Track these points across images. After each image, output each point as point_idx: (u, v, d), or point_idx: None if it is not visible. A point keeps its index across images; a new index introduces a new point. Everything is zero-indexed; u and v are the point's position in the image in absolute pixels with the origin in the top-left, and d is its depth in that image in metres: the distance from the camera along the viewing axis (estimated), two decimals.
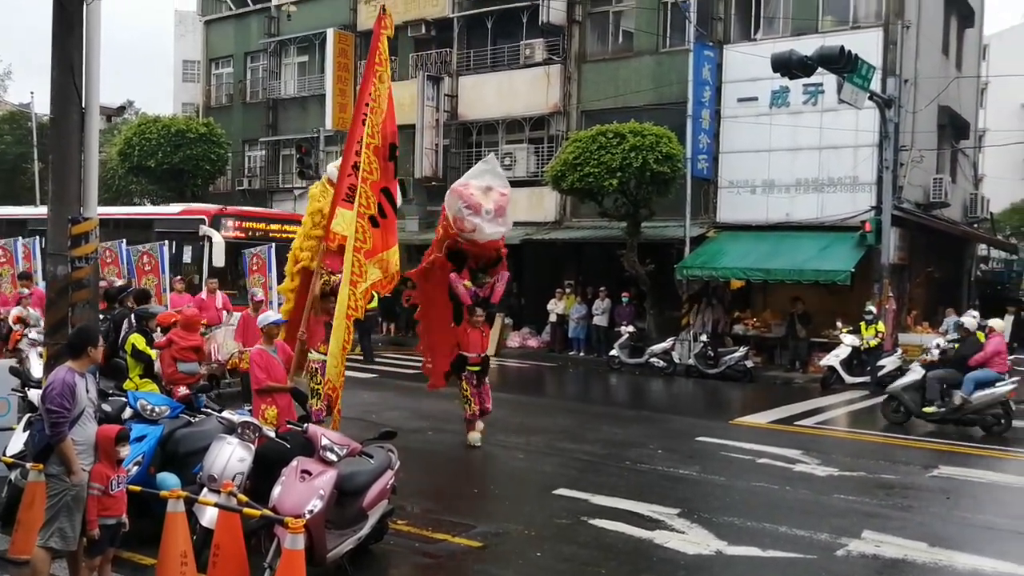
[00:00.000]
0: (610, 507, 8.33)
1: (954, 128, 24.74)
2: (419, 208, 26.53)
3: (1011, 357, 16.85)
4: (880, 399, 16.22)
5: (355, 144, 7.84)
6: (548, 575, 6.76)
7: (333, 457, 6.01)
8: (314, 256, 9.82)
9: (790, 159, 20.58)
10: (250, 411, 7.51)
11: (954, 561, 7.12)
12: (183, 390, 9.01)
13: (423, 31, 27.17)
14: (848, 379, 17.24)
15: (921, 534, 7.77)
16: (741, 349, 18.85)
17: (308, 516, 5.57)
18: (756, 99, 20.93)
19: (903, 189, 19.93)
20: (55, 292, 7.90)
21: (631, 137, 19.42)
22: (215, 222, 17.90)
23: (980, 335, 13.48)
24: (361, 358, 18.39)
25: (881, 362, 17.06)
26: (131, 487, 5.95)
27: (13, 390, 8.11)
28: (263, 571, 5.63)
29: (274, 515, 5.55)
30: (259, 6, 32.39)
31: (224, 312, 14.85)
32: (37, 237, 17.69)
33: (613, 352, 20.10)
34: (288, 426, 6.66)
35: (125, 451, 5.67)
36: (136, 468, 6.60)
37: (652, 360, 19.42)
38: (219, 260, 16.75)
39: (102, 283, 14.75)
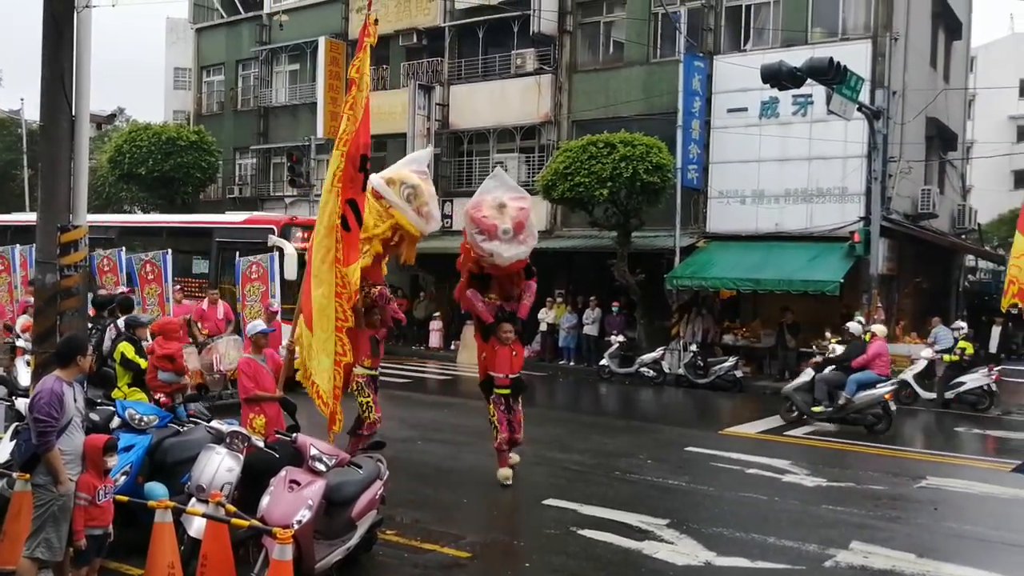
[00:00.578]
0: (599, 517, 8.33)
1: (942, 140, 24.90)
2: None
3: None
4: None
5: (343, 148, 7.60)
6: None
7: (322, 467, 6.00)
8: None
9: (779, 170, 20.66)
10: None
11: (941, 572, 7.15)
12: (161, 399, 8.96)
13: (414, 40, 27.22)
14: None
15: (909, 545, 7.79)
16: (731, 359, 18.89)
17: (296, 526, 5.56)
18: (746, 110, 21.03)
19: (892, 200, 20.03)
20: (43, 300, 7.88)
21: (621, 147, 19.48)
22: (285, 232, 16.50)
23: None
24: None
25: None
26: (118, 497, 5.92)
27: (0, 399, 8.07)
28: None
29: (262, 525, 5.53)
30: (251, 14, 32.39)
31: (225, 322, 14.80)
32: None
33: (603, 361, 20.12)
34: (277, 436, 6.64)
35: (113, 461, 5.65)
36: (124, 478, 6.57)
37: (642, 370, 19.44)
38: (292, 273, 14.97)
39: (102, 292, 14.75)
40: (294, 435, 6.33)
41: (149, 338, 9.90)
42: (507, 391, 9.75)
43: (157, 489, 6.58)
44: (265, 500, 5.83)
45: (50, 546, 5.38)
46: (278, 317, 12.60)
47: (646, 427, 14.32)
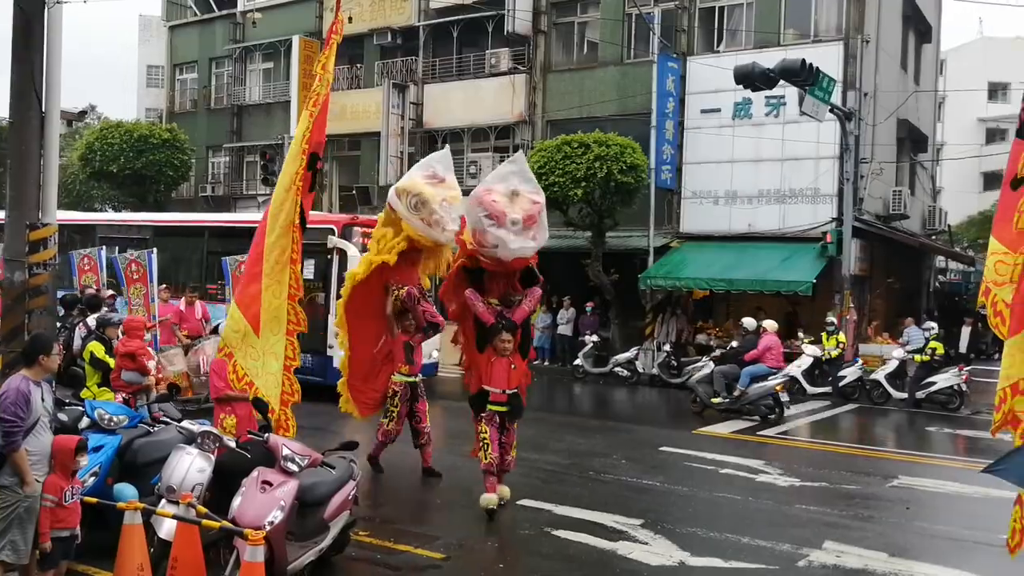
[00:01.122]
0: (574, 518, 8.33)
1: (912, 141, 25.20)
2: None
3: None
4: (842, 409, 16.48)
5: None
6: None
7: (294, 468, 5.95)
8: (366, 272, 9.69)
9: (752, 170, 20.80)
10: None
11: (913, 571, 7.21)
12: (125, 399, 8.80)
13: (389, 39, 27.16)
14: (810, 389, 17.43)
15: (881, 544, 7.85)
16: (704, 359, 18.99)
17: (268, 528, 5.50)
18: (719, 111, 21.15)
19: (863, 201, 20.23)
20: (12, 299, 7.76)
21: (596, 147, 19.52)
22: (346, 232, 15.37)
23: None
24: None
25: (842, 372, 17.30)
26: (87, 499, 5.83)
27: None
28: None
29: (234, 527, 5.47)
30: (224, 12, 32.15)
31: (203, 322, 14.54)
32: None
33: (577, 361, 20.15)
34: (249, 436, 6.57)
35: (84, 462, 5.57)
36: (93, 479, 6.48)
37: (616, 369, 19.49)
38: None
39: (89, 291, 14.54)
40: (266, 435, 6.27)
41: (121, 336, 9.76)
42: (503, 408, 8.56)
43: (126, 490, 6.48)
44: (237, 501, 5.76)
45: (15, 548, 5.29)
46: None
47: (620, 427, 14.35)
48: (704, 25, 22.31)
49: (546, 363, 21.98)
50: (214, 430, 6.60)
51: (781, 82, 16.52)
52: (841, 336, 17.78)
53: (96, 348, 9.30)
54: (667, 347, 19.56)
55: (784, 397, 14.63)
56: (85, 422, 6.97)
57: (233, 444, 6.55)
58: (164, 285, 15.43)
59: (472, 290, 8.64)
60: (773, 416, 14.46)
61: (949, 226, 31.49)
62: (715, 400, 14.87)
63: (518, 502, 8.85)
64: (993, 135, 51.10)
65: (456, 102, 25.84)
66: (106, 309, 14.28)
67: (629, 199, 20.25)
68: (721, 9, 22.19)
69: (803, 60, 15.94)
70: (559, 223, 22.10)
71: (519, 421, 8.89)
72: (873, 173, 20.73)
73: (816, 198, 20.08)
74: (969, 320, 23.31)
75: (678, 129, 21.40)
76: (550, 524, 8.10)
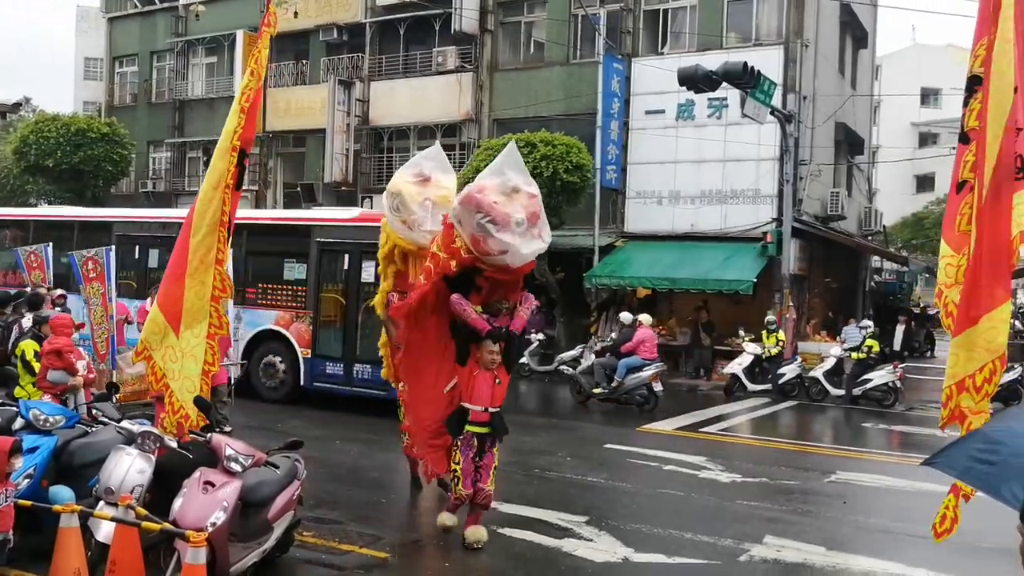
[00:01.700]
0: (519, 515, 8.36)
1: (849, 144, 25.80)
2: None
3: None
4: (782, 406, 16.80)
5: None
6: None
7: (237, 468, 5.87)
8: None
9: (695, 171, 21.09)
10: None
11: (850, 564, 7.39)
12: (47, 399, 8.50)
13: (335, 35, 26.93)
14: (750, 387, 17.75)
15: (819, 538, 8.03)
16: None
17: (211, 529, 5.42)
18: (663, 112, 21.41)
19: (803, 202, 20.65)
20: None
21: (542, 146, 19.60)
22: None
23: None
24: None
25: (782, 370, 17.64)
26: (21, 502, 5.69)
27: None
28: None
29: (175, 528, 5.38)
30: (165, 5, 31.52)
31: None
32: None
33: (523, 360, 20.19)
34: (191, 436, 6.46)
35: (18, 464, 5.43)
36: (27, 481, 6.30)
37: (561, 368, 19.55)
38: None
39: (40, 290, 14.05)
40: (209, 435, 6.17)
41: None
42: (485, 429, 7.52)
43: (63, 492, 6.33)
44: (178, 502, 5.67)
45: None
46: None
47: (565, 424, 14.44)
48: (649, 27, 22.56)
49: None
50: (154, 430, 6.47)
51: (723, 84, 16.77)
52: (781, 334, 18.12)
53: (27, 347, 9.05)
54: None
55: (657, 387, 15.32)
56: (19, 423, 6.78)
57: (174, 444, 6.44)
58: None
59: (460, 296, 7.57)
60: (648, 405, 15.21)
61: (884, 227, 32.32)
62: (596, 390, 15.74)
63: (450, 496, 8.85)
64: (925, 139, 52.59)
65: (403, 100, 25.73)
66: (58, 309, 13.83)
67: (575, 198, 20.37)
68: (665, 12, 22.46)
69: (745, 63, 16.21)
70: None
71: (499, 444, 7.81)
72: (812, 175, 21.19)
73: (757, 199, 20.45)
74: (903, 318, 23.96)
75: (623, 129, 21.61)
76: (495, 522, 8.10)
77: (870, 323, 18.82)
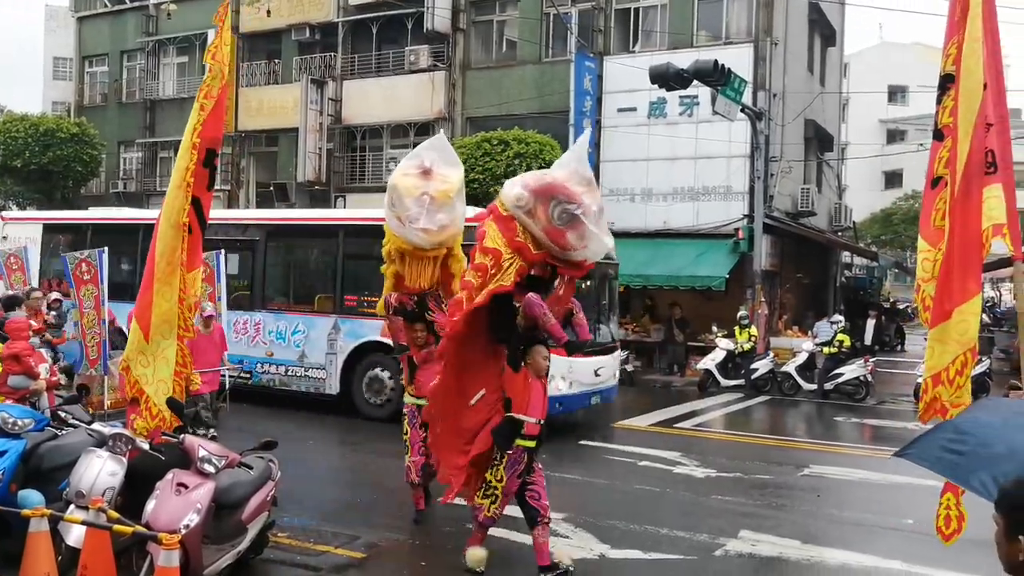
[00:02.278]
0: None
1: (819, 141, 26.04)
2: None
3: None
4: (755, 401, 16.93)
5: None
6: None
7: (211, 469, 5.82)
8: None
9: (667, 168, 21.20)
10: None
11: (824, 557, 7.47)
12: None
13: (307, 35, 26.81)
14: (724, 382, 17.86)
15: (794, 532, 8.10)
16: (622, 354, 19.27)
17: (184, 531, 5.37)
18: (635, 110, 21.49)
19: (773, 198, 20.82)
20: None
21: (515, 144, 19.62)
22: None
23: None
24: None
25: (754, 365, 17.77)
26: None
27: None
28: None
29: (147, 531, 5.33)
30: (135, 4, 31.27)
31: None
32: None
33: None
34: (163, 437, 6.40)
35: None
36: None
37: None
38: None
39: (9, 292, 13.79)
40: (181, 436, 6.12)
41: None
42: (534, 443, 6.79)
43: (32, 496, 6.23)
44: (151, 504, 5.61)
45: None
46: (216, 321, 11.91)
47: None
48: (620, 26, 22.64)
49: None
50: (126, 432, 6.40)
51: (694, 82, 16.87)
52: (753, 330, 18.26)
53: None
54: None
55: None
56: None
57: (146, 446, 6.38)
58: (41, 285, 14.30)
59: (538, 296, 6.71)
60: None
61: (854, 223, 32.65)
62: None
63: (439, 499, 8.83)
64: (893, 136, 53.20)
65: (375, 99, 25.65)
66: (54, 314, 13.65)
67: None
68: (636, 10, 22.55)
69: (715, 61, 16.32)
70: None
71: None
72: (782, 171, 21.36)
73: (728, 196, 20.58)
74: (873, 313, 24.21)
75: (595, 128, 21.65)
76: (471, 520, 8.09)
77: (841, 318, 19.02)
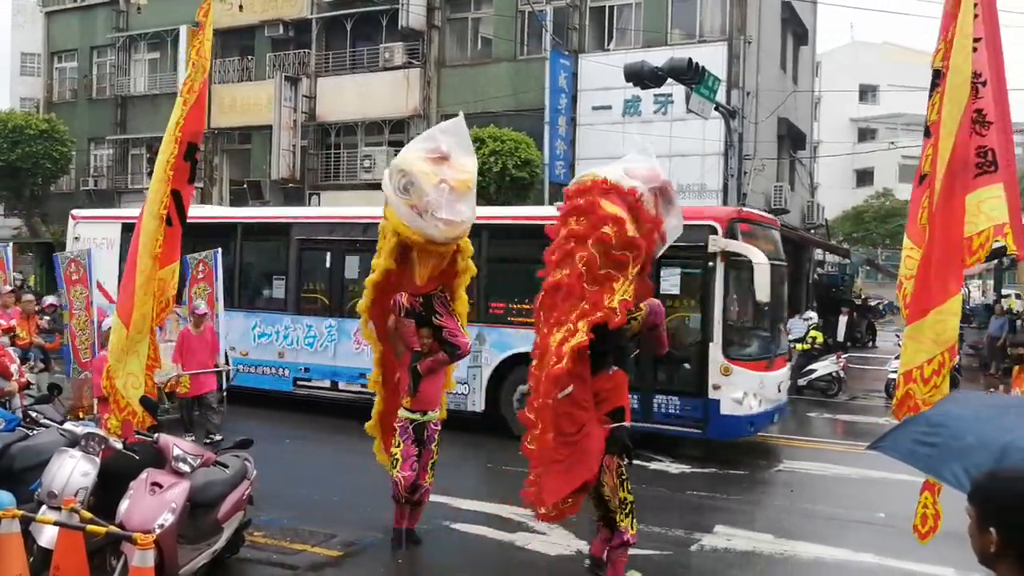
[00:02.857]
0: (472, 511, 8.37)
1: (792, 139, 26.26)
2: None
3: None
4: None
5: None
6: None
7: (186, 468, 5.78)
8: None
9: None
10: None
11: (798, 551, 7.54)
12: None
13: (281, 31, 26.66)
14: None
15: (768, 527, 8.18)
16: None
17: (159, 531, 5.33)
18: (610, 107, 21.56)
19: (747, 196, 20.91)
20: None
21: (490, 142, 19.62)
22: (731, 229, 10.94)
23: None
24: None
25: None
26: None
27: None
28: None
29: (121, 531, 5.28)
30: None
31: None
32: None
33: None
34: (137, 436, 6.34)
35: None
36: None
37: None
38: (764, 292, 10.44)
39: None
40: (156, 435, 6.07)
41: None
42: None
43: (3, 497, 6.14)
44: (124, 504, 5.56)
45: None
46: (208, 321, 11.59)
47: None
48: (595, 23, 22.71)
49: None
50: (99, 431, 6.33)
51: (669, 80, 16.93)
52: None
53: None
54: None
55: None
56: None
57: (120, 445, 6.31)
58: (9, 288, 13.40)
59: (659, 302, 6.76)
60: None
61: (826, 220, 32.96)
62: None
63: (450, 523, 8.83)
64: (864, 134, 53.74)
65: (350, 96, 25.54)
66: (48, 319, 13.41)
67: (524, 194, 20.44)
68: (611, 8, 22.62)
69: (690, 59, 16.36)
70: None
71: None
72: (756, 169, 21.50)
73: (703, 193, 20.70)
74: (846, 310, 24.48)
75: (571, 125, 21.72)
76: (449, 518, 8.11)
77: (813, 315, 19.18)
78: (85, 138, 30.61)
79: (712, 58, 19.47)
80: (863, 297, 34.97)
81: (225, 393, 12.05)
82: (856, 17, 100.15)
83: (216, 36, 27.40)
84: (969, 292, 36.84)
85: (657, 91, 19.23)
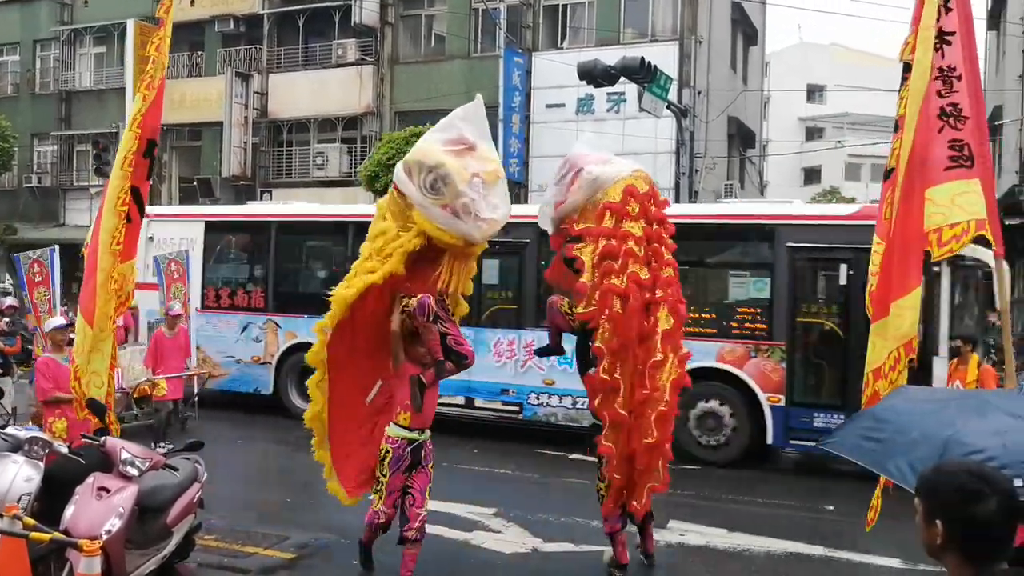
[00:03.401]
0: (428, 510, 8.31)
1: (741, 138, 26.61)
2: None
3: None
4: None
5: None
6: None
7: (134, 471, 5.66)
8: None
9: None
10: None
11: (750, 544, 7.64)
12: None
13: (231, 26, 26.28)
14: None
15: (721, 521, 8.27)
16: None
17: (105, 537, 5.22)
18: (563, 106, 21.63)
19: (698, 194, 21.15)
20: None
21: None
22: None
23: None
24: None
25: None
26: None
27: None
28: None
29: (66, 538, 5.16)
30: None
31: (125, 330, 12.51)
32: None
33: None
34: (83, 440, 6.19)
35: None
36: None
37: None
38: (1005, 300, 6.27)
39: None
40: (103, 439, 5.94)
41: None
42: None
43: None
44: (70, 510, 5.43)
45: None
46: (182, 323, 11.35)
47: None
48: (548, 22, 22.78)
49: None
50: (43, 435, 6.17)
51: (622, 79, 17.04)
52: None
53: None
54: None
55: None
56: None
57: (65, 450, 6.16)
58: None
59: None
60: None
61: None
62: None
63: (369, 497, 8.76)
64: (812, 133, 54.56)
65: (302, 92, 25.29)
66: (7, 320, 12.85)
67: None
68: (564, 7, 22.70)
69: (642, 58, 16.48)
70: None
71: None
72: (706, 167, 21.75)
73: None
74: None
75: (525, 123, 21.75)
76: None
77: None
78: (28, 134, 29.91)
79: (664, 57, 19.64)
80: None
81: (197, 398, 11.76)
82: (804, 18, 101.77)
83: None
84: None
85: (610, 90, 19.36)
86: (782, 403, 10.44)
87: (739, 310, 11.01)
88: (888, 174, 5.19)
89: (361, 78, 24.43)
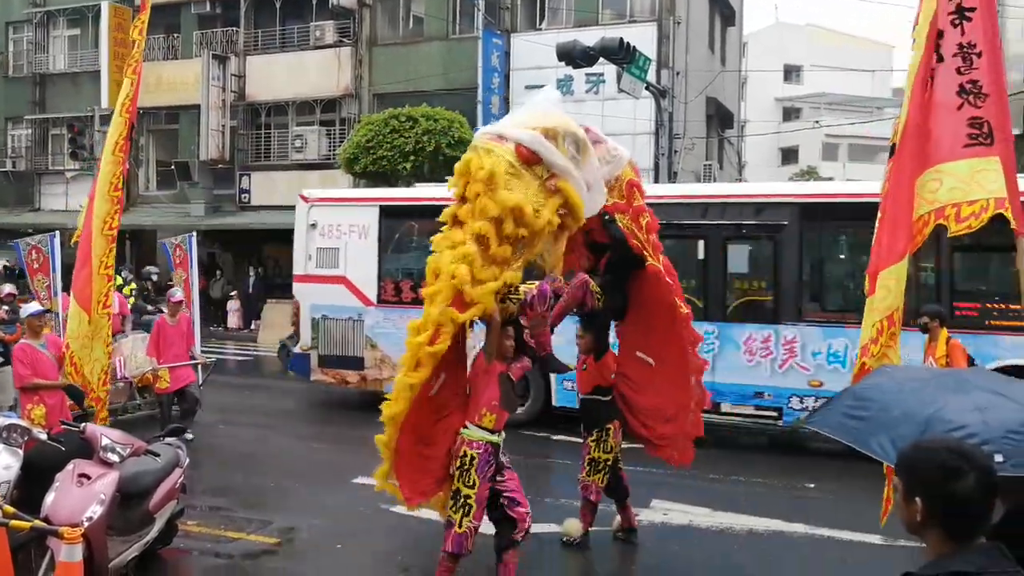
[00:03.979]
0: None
1: (720, 118, 26.66)
2: (204, 192, 25.40)
3: None
4: None
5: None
6: (348, 567, 6.70)
7: (115, 458, 5.63)
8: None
9: None
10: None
11: (733, 523, 7.70)
12: None
13: (208, 8, 25.99)
14: None
15: (704, 500, 8.32)
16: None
17: (87, 523, 5.19)
18: (542, 86, 21.44)
19: (677, 175, 21.20)
20: None
21: (424, 121, 19.46)
22: None
23: None
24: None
25: None
26: None
27: None
28: None
29: (46, 525, 5.11)
30: None
31: (122, 317, 12.23)
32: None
33: None
34: (63, 426, 6.14)
35: None
36: None
37: None
38: None
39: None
40: (83, 425, 5.89)
41: None
42: None
43: None
44: (50, 497, 5.39)
45: None
46: (183, 309, 10.90)
47: None
48: (527, 3, 22.67)
49: None
50: (21, 422, 6.12)
51: (600, 60, 17.00)
52: None
53: None
54: None
55: None
56: None
57: (44, 436, 6.11)
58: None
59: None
60: None
61: None
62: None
63: (353, 480, 8.77)
64: (789, 114, 54.74)
65: (280, 75, 25.07)
66: (6, 308, 12.55)
67: None
68: None
69: (621, 39, 16.45)
70: None
71: None
72: (685, 148, 21.77)
73: None
74: None
75: (504, 104, 21.65)
76: (386, 501, 8.05)
77: None
78: (2, 118, 29.58)
79: (642, 38, 19.61)
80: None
81: (201, 387, 11.34)
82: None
83: (139, 12, 26.59)
84: None
85: (589, 71, 19.29)
86: None
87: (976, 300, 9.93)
88: (893, 150, 5.10)
89: (339, 60, 24.24)
